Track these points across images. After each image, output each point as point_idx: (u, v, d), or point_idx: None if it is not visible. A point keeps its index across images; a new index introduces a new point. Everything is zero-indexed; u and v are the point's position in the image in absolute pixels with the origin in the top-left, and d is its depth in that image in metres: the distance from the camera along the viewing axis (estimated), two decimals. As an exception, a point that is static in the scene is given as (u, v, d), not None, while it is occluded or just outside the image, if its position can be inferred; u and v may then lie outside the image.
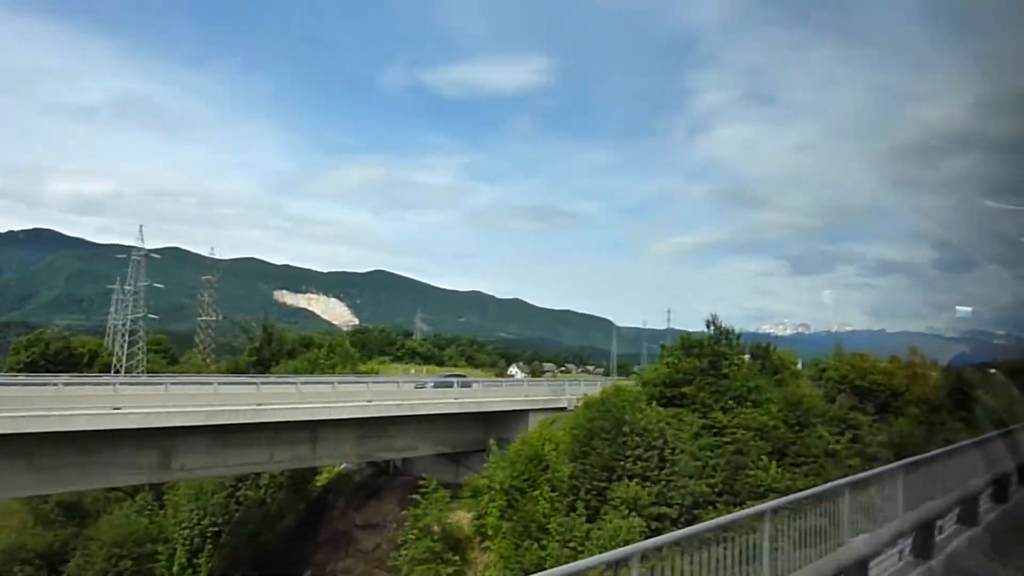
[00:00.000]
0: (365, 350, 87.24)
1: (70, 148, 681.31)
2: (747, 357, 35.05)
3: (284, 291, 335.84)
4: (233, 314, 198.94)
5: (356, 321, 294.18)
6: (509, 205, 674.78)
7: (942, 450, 10.55)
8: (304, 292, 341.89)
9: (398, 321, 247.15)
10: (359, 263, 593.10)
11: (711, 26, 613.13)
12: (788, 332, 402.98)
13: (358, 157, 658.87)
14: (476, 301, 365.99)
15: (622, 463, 27.05)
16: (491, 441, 30.62)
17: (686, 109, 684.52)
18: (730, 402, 30.28)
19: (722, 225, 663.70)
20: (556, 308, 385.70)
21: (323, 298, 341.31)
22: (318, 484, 41.83)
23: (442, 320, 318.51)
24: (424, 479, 29.50)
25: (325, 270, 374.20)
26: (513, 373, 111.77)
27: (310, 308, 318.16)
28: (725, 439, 28.68)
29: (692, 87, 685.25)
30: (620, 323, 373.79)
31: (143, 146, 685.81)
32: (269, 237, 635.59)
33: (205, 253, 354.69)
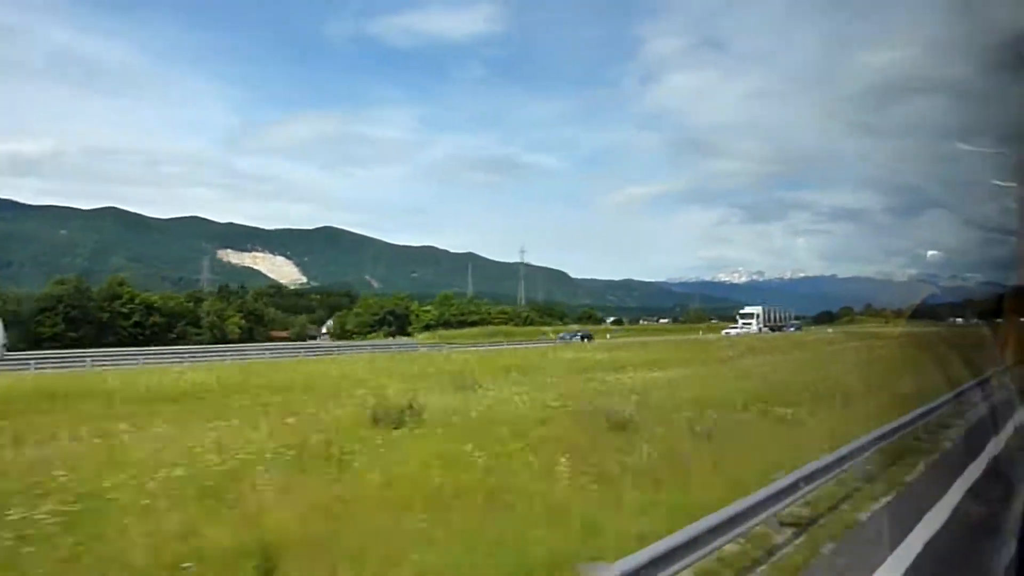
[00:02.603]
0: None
1: (5, 106, 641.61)
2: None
3: (228, 250, 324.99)
4: (173, 274, 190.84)
5: (304, 279, 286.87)
6: (463, 158, 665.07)
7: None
8: (249, 251, 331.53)
9: (347, 279, 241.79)
10: (309, 220, 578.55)
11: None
12: (743, 280, 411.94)
13: (307, 112, 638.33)
14: (429, 256, 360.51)
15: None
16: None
17: (637, 57, 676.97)
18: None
19: (676, 175, 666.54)
20: (511, 261, 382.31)
21: (269, 256, 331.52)
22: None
23: (394, 276, 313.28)
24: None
25: (271, 228, 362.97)
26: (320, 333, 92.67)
27: (256, 267, 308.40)
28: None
29: (642, 35, 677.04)
30: (576, 275, 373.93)
31: (83, 104, 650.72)
32: (215, 196, 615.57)
33: (145, 212, 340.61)
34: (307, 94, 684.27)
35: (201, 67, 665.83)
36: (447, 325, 78.91)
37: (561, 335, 63.31)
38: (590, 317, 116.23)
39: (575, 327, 75.60)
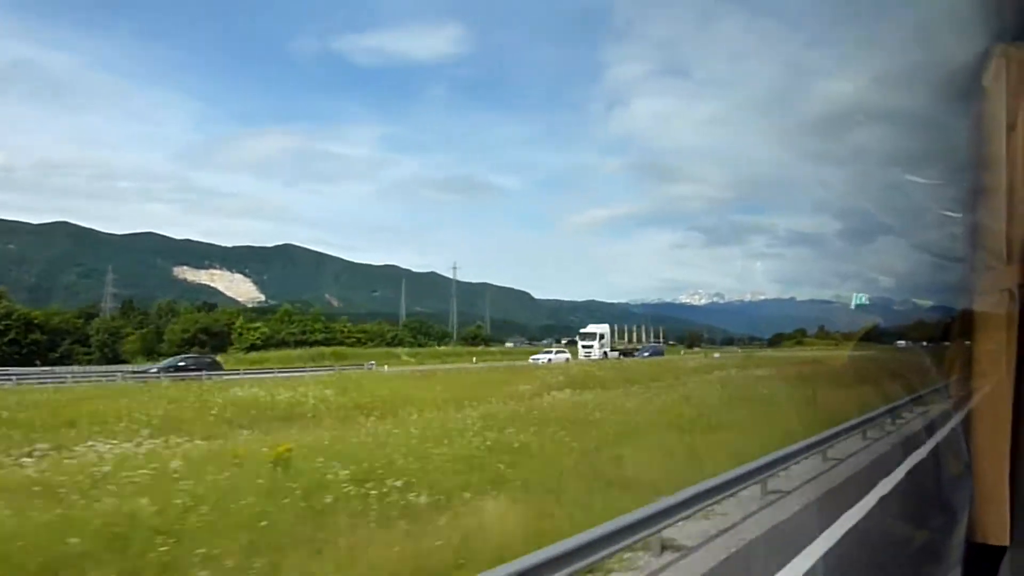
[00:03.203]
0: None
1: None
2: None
3: (184, 267, 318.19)
4: (126, 291, 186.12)
5: (262, 298, 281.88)
6: (427, 178, 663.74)
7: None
8: (206, 268, 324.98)
9: (306, 297, 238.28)
10: (268, 237, 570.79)
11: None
12: (703, 302, 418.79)
13: (270, 128, 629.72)
14: (391, 275, 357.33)
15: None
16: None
17: (602, 82, 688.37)
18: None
19: (637, 198, 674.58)
20: (473, 281, 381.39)
21: (227, 274, 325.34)
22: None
23: (355, 295, 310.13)
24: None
25: (230, 245, 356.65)
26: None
27: (213, 285, 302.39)
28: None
29: (607, 60, 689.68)
30: (539, 295, 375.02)
31: (34, 116, 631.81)
32: (172, 211, 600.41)
33: (99, 228, 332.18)
34: (270, 110, 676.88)
35: (160, 81, 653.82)
36: (281, 345, 68.20)
37: (160, 365, 41.95)
38: (475, 337, 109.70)
39: (248, 356, 54.89)
